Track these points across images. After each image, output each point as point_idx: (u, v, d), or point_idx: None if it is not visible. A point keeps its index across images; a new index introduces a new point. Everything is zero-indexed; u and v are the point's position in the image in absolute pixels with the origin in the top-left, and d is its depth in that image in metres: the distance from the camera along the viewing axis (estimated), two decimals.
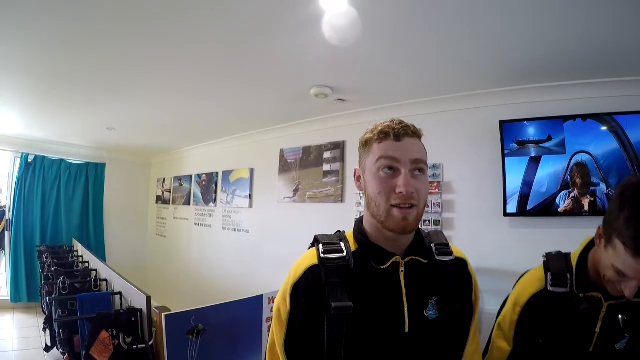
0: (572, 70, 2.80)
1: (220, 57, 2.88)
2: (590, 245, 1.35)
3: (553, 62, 2.69)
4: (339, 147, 4.35)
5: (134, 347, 2.43)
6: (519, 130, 3.09)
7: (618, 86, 2.85)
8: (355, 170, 1.15)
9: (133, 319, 2.57)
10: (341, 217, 4.18)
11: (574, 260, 1.36)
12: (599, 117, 2.83)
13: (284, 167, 4.98)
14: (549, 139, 2.98)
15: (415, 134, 1.06)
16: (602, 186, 2.78)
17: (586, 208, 2.81)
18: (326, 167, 4.46)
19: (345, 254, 1.07)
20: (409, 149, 1.03)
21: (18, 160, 6.58)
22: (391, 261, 1.07)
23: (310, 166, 4.64)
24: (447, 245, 1.16)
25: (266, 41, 2.59)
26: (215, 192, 6.25)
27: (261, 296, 2.71)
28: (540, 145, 3.01)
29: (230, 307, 2.57)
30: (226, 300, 2.59)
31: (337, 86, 3.41)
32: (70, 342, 3.26)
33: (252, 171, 5.55)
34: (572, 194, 2.87)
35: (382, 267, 1.07)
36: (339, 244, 1.10)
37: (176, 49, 2.76)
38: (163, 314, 2.26)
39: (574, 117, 2.90)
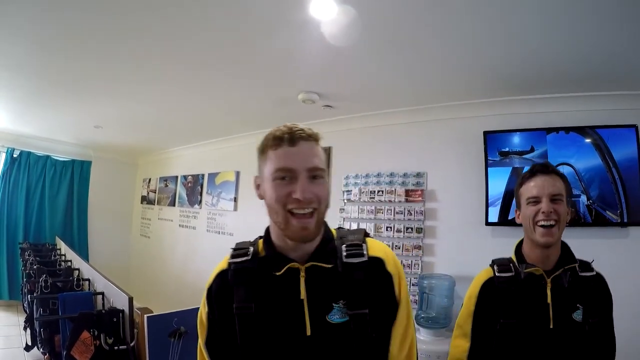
0: (556, 83, 2.85)
1: (209, 58, 2.89)
2: (520, 243, 1.63)
3: (537, 74, 2.74)
4: (324, 152, 4.33)
5: (116, 348, 2.41)
6: (503, 141, 3.13)
7: (601, 100, 2.91)
8: (254, 179, 1.16)
9: (115, 319, 2.55)
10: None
11: (512, 255, 1.62)
12: (582, 130, 2.89)
13: None
14: (532, 150, 3.03)
15: (311, 137, 1.10)
16: (583, 197, 2.84)
17: None
18: None
19: (249, 257, 1.12)
20: (305, 154, 1.06)
21: (3, 155, 6.50)
22: (286, 267, 1.08)
23: None
24: (359, 245, 1.13)
25: (255, 45, 2.61)
26: (201, 193, 6.23)
27: None
28: (523, 156, 3.05)
29: None
30: None
31: (325, 92, 3.44)
32: (51, 342, 3.23)
33: (237, 174, 5.55)
34: None
35: (277, 273, 1.08)
36: (248, 248, 1.15)
37: (166, 50, 2.77)
38: (145, 315, 2.25)
39: (557, 130, 2.96)
